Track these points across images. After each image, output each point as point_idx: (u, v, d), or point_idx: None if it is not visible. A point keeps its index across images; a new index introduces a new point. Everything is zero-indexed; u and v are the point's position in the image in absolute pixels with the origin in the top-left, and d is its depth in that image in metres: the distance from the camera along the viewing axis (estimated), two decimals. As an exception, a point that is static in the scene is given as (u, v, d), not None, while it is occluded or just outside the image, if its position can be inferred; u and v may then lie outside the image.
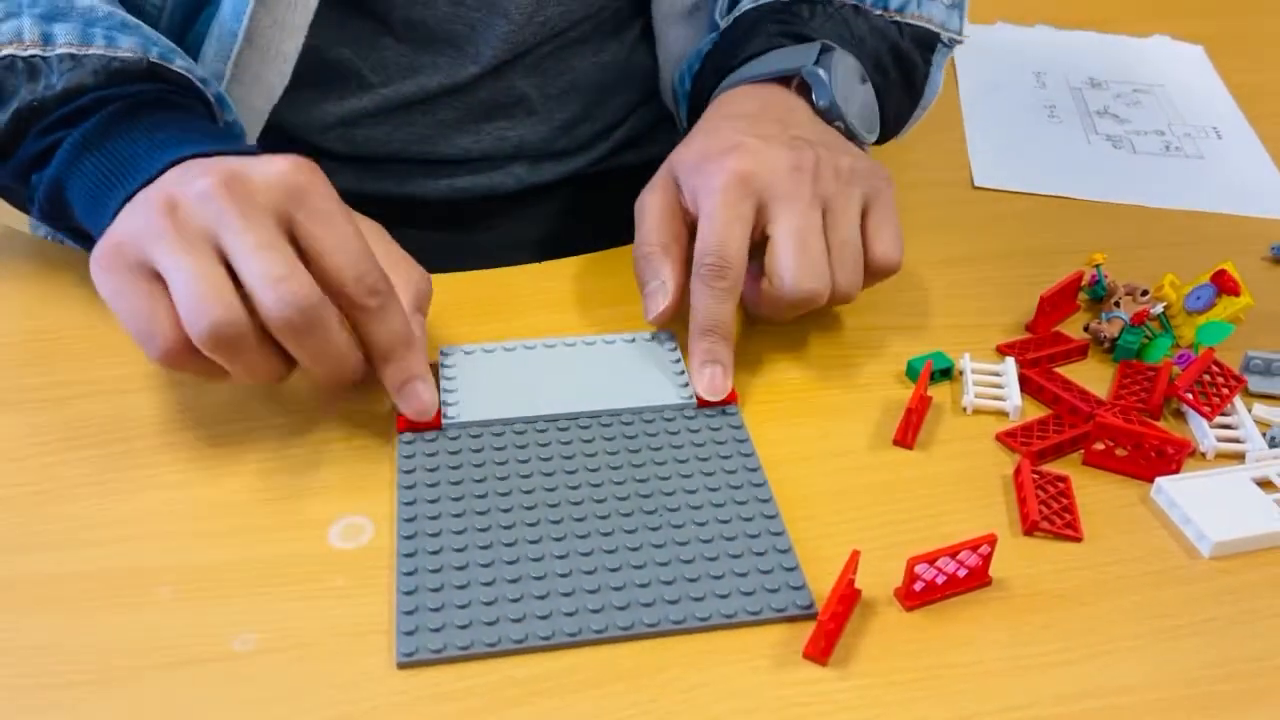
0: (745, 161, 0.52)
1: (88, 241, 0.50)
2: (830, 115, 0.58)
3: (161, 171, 0.47)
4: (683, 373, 0.52)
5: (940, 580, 0.42)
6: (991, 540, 0.42)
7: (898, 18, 0.63)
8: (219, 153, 0.47)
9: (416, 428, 0.48)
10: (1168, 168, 0.75)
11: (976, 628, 0.42)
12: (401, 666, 0.39)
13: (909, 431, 0.50)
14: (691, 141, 0.56)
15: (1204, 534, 0.45)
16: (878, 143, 0.64)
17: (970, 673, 0.40)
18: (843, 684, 0.39)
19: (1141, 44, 0.94)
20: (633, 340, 0.54)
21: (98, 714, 0.38)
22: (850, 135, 0.58)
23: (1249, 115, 0.82)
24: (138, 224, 0.44)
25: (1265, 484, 0.48)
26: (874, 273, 0.53)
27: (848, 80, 0.59)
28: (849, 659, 0.40)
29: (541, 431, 0.48)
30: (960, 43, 0.65)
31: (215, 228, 0.43)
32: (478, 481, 0.46)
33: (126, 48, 0.50)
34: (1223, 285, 0.56)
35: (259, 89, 0.59)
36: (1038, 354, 0.55)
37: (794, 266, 0.50)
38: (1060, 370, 0.54)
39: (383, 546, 0.44)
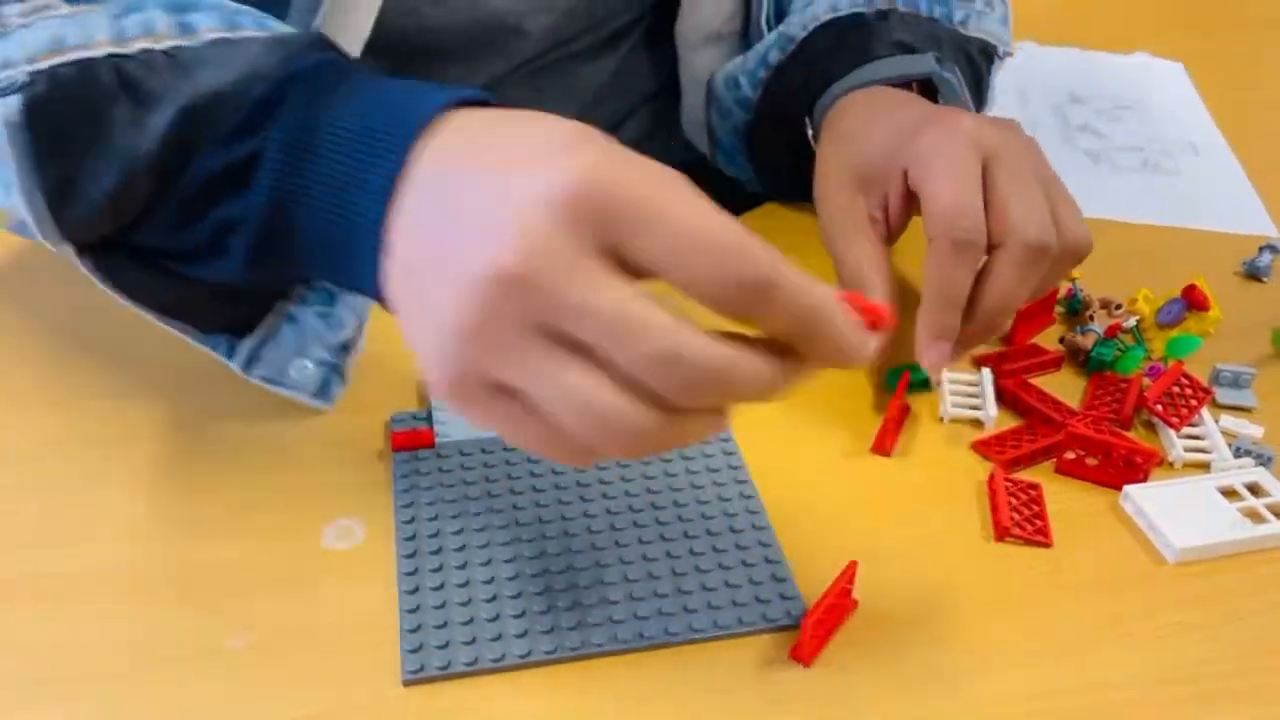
0: (965, 122, 0.50)
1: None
2: None
3: (407, 154, 0.36)
4: None
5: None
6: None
7: (963, 30, 0.65)
8: (460, 103, 0.37)
9: (409, 447, 0.49)
10: (1145, 183, 0.77)
11: (946, 629, 0.43)
12: (407, 684, 0.40)
13: (887, 439, 0.51)
14: (868, 133, 0.55)
15: (1169, 541, 0.46)
16: None
17: (943, 673, 0.41)
18: (816, 684, 0.41)
19: (1122, 61, 0.96)
20: None
21: (94, 710, 0.39)
22: None
23: (1226, 132, 0.84)
24: (459, 340, 0.32)
25: (1230, 493, 0.49)
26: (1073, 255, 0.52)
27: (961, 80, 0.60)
28: (823, 658, 0.42)
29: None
30: (1011, 56, 0.67)
31: (552, 323, 0.32)
32: (473, 499, 0.47)
33: (280, 29, 0.42)
34: (1192, 300, 0.57)
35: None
36: (1014, 365, 0.56)
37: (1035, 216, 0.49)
38: (1035, 381, 0.56)
39: (374, 548, 0.45)
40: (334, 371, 0.50)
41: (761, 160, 0.69)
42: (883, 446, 0.51)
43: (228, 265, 0.42)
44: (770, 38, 0.66)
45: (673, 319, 0.32)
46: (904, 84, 0.60)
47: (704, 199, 0.33)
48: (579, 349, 0.32)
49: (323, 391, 0.50)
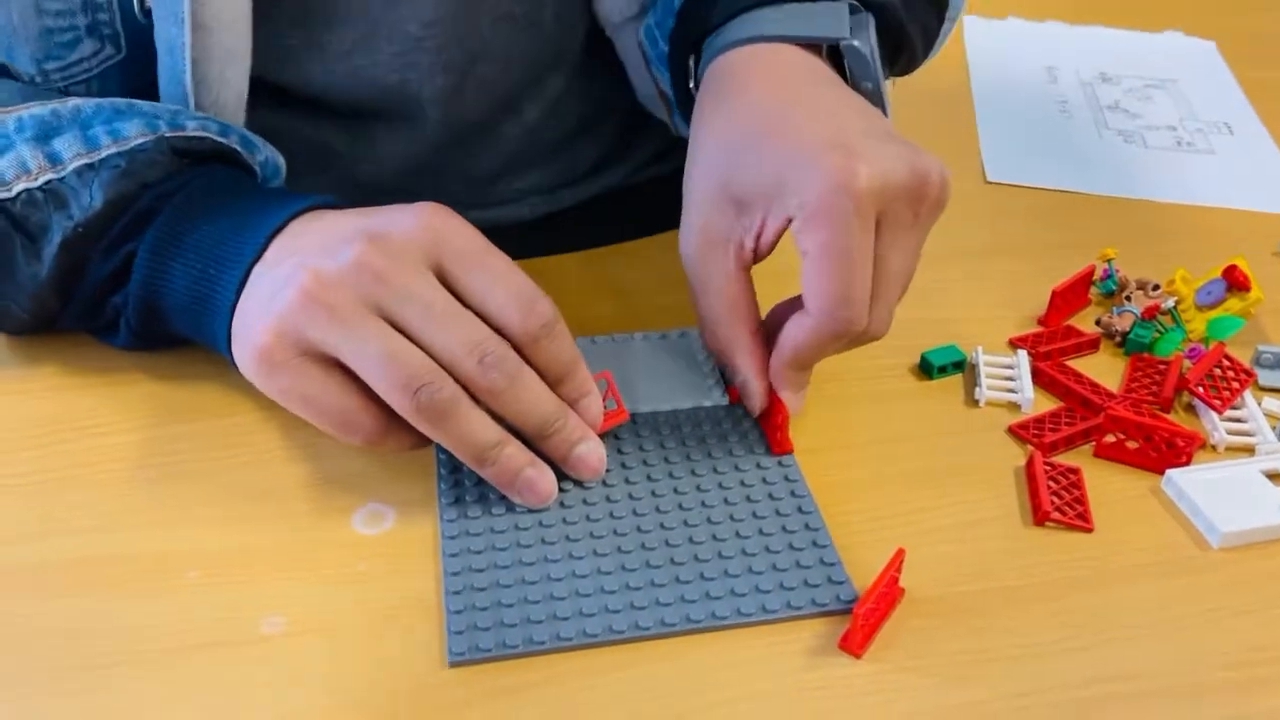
0: (863, 174, 0.42)
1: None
2: (871, 97, 0.50)
3: (265, 245, 0.45)
4: (713, 370, 0.52)
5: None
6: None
7: None
8: (314, 208, 0.46)
9: None
10: (1179, 163, 0.76)
11: (989, 616, 0.42)
12: (454, 665, 0.39)
13: (779, 439, 0.48)
14: (749, 148, 0.45)
15: (1213, 525, 0.45)
16: (907, 72, 0.59)
17: (983, 659, 0.41)
18: (856, 669, 0.40)
19: (1153, 39, 0.94)
20: (663, 338, 0.54)
21: (129, 695, 0.39)
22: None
23: (1260, 111, 0.83)
24: (288, 308, 0.41)
25: (1275, 476, 0.48)
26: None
27: (876, 44, 0.50)
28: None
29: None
30: None
31: (380, 299, 0.41)
32: None
33: (135, 134, 0.47)
34: (1233, 280, 0.56)
35: None
36: (1050, 347, 0.55)
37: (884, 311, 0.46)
38: (1072, 363, 0.55)
39: (405, 532, 0.45)
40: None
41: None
42: (781, 447, 0.48)
43: (124, 339, 0.50)
44: None
45: (483, 326, 0.42)
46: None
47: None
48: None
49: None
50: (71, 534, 0.44)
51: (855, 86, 0.50)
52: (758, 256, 0.47)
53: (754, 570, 0.43)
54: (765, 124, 0.46)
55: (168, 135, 0.48)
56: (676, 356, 0.53)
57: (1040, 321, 0.58)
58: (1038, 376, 0.54)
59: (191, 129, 0.49)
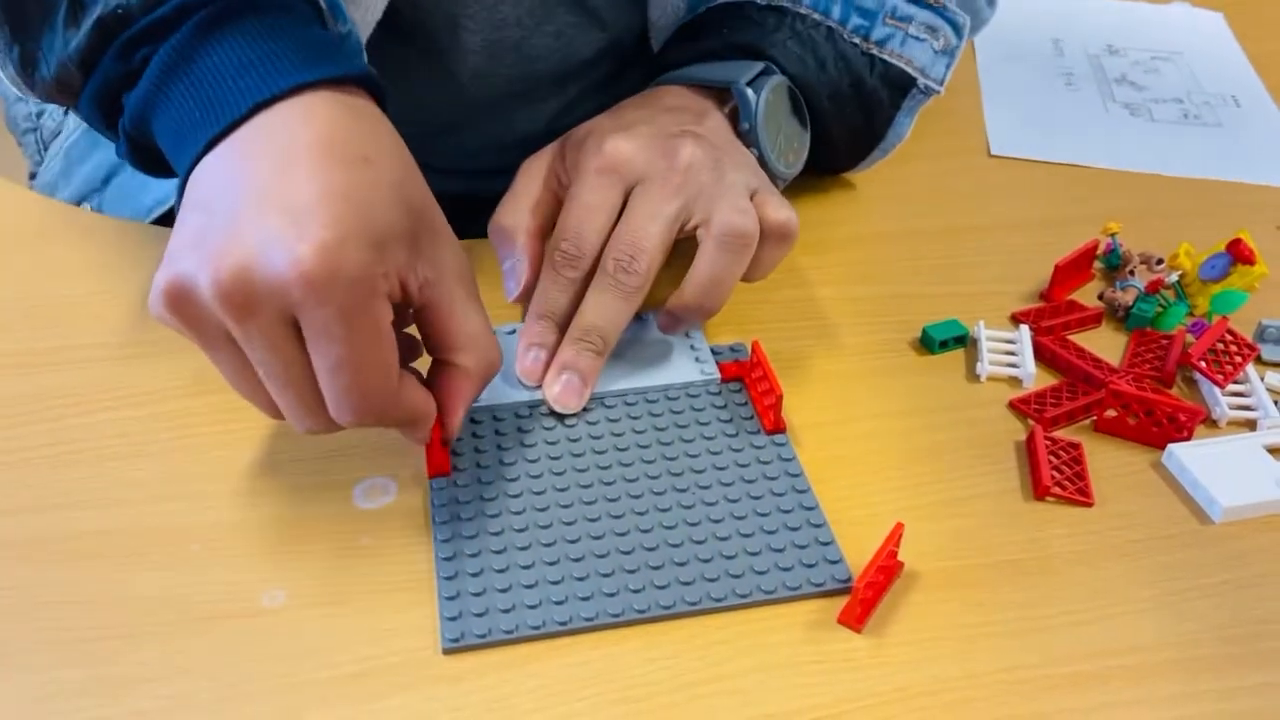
0: (624, 147, 0.50)
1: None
2: (748, 139, 0.56)
3: (250, 113, 0.40)
4: (704, 348, 0.52)
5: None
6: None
7: (874, 51, 0.60)
8: (312, 84, 0.40)
9: None
10: (1185, 136, 0.75)
11: (989, 590, 0.42)
12: (447, 652, 0.39)
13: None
14: (596, 118, 0.55)
15: (1214, 499, 0.45)
16: (831, 172, 0.65)
17: (983, 633, 0.41)
18: (855, 643, 0.40)
19: (1161, 11, 0.93)
20: (649, 319, 0.54)
21: (130, 667, 0.39)
22: (763, 164, 0.56)
23: (1268, 83, 0.82)
24: (159, 295, 0.39)
25: (1276, 451, 0.48)
26: (771, 239, 0.51)
27: (775, 108, 0.57)
28: (868, 621, 0.41)
29: (566, 413, 0.49)
30: (938, 93, 0.61)
31: (232, 337, 0.39)
32: (507, 465, 0.46)
33: None
34: (1238, 254, 0.56)
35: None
36: (1052, 322, 0.55)
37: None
38: (1074, 338, 0.55)
39: (406, 506, 0.45)
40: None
41: None
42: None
43: (123, 146, 0.46)
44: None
45: (297, 395, 0.40)
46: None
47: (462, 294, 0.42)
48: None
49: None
50: (72, 507, 0.44)
51: (735, 123, 0.56)
52: (562, 192, 0.52)
53: (749, 551, 0.43)
54: (601, 121, 0.54)
55: None
56: (663, 335, 0.53)
57: (1043, 296, 0.58)
58: (1039, 351, 0.53)
59: None
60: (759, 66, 0.57)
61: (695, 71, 0.59)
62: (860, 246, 0.61)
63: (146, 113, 0.44)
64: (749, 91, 0.56)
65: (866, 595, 0.40)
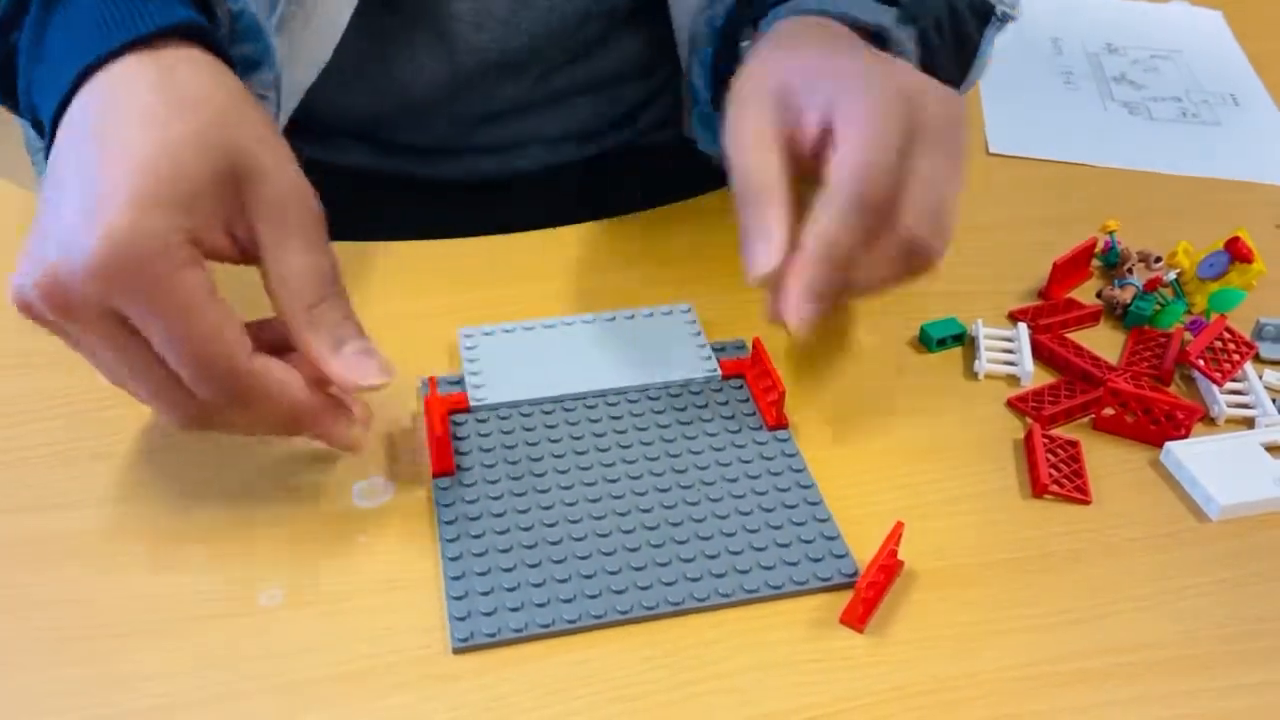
0: (908, 81, 0.45)
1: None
2: None
3: (69, 95, 0.40)
4: (705, 345, 0.52)
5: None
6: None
7: None
8: (115, 53, 0.39)
9: (443, 410, 0.48)
10: (1184, 134, 0.75)
11: (987, 588, 0.42)
12: (458, 652, 0.39)
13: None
14: (799, 50, 0.49)
15: (1212, 497, 0.45)
16: None
17: (981, 631, 0.41)
18: (856, 641, 0.40)
19: (1160, 10, 0.93)
20: (651, 315, 0.54)
21: (128, 666, 0.39)
22: None
23: (1267, 82, 0.82)
24: (17, 283, 0.39)
25: (1274, 449, 0.48)
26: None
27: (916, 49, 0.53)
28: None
29: (570, 410, 0.49)
30: (1013, 20, 0.59)
31: (65, 326, 0.39)
32: (512, 464, 0.46)
33: None
34: (1236, 252, 0.56)
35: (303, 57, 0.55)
36: (1050, 320, 0.55)
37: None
38: (1072, 336, 0.55)
39: (404, 505, 0.45)
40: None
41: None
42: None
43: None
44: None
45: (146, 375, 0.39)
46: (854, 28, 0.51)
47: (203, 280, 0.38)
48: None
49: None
50: (70, 507, 0.44)
51: None
52: (799, 150, 0.45)
53: (755, 547, 0.43)
54: (820, 55, 0.48)
55: None
56: (667, 331, 0.53)
57: (1041, 294, 0.58)
58: (1038, 349, 0.53)
59: None
60: (893, 12, 0.52)
61: (836, 3, 0.52)
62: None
63: (29, 96, 0.44)
64: (907, 41, 0.52)
65: (868, 595, 0.40)
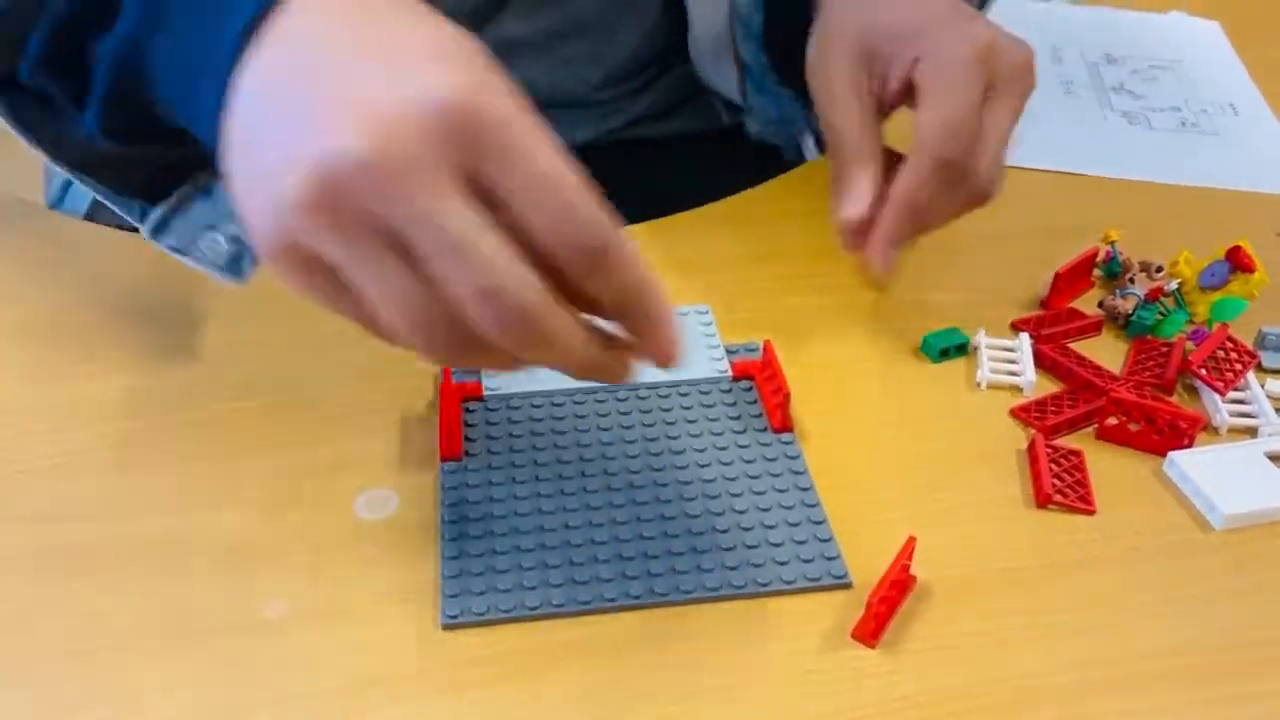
0: (985, 34, 0.49)
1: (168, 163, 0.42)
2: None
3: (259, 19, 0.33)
4: (718, 346, 0.53)
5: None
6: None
7: None
8: None
9: (459, 397, 0.49)
10: (1184, 144, 0.75)
11: (991, 598, 0.42)
12: (446, 628, 0.40)
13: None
14: (876, 8, 0.52)
15: (1215, 506, 0.45)
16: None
17: (987, 642, 0.41)
18: (860, 652, 0.40)
19: (1158, 20, 0.94)
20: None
21: (131, 679, 0.39)
22: None
23: (1265, 92, 0.82)
24: (288, 209, 0.31)
25: (1277, 458, 0.48)
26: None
27: None
28: (840, 617, 0.41)
29: (580, 404, 0.49)
30: None
31: (389, 220, 0.31)
32: (518, 451, 0.47)
33: None
34: (1237, 262, 0.56)
35: None
36: (1052, 330, 0.55)
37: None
38: (1074, 346, 0.55)
39: (408, 517, 0.45)
40: (247, 248, 0.47)
41: (788, 67, 0.63)
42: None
43: (94, 115, 0.39)
44: None
45: (508, 257, 0.31)
46: None
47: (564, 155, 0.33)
48: (407, 254, 0.31)
49: (233, 266, 0.48)
50: (74, 519, 0.44)
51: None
52: (884, 104, 0.52)
53: (747, 544, 0.43)
54: (895, 12, 0.51)
55: None
56: (681, 330, 0.53)
57: (1043, 304, 0.58)
58: (1040, 359, 0.53)
59: None
60: None
61: None
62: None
63: (138, 49, 0.36)
64: None
65: (880, 610, 0.40)
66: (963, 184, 0.50)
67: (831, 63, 0.52)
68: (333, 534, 0.44)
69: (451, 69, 0.31)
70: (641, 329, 0.36)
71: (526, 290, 0.32)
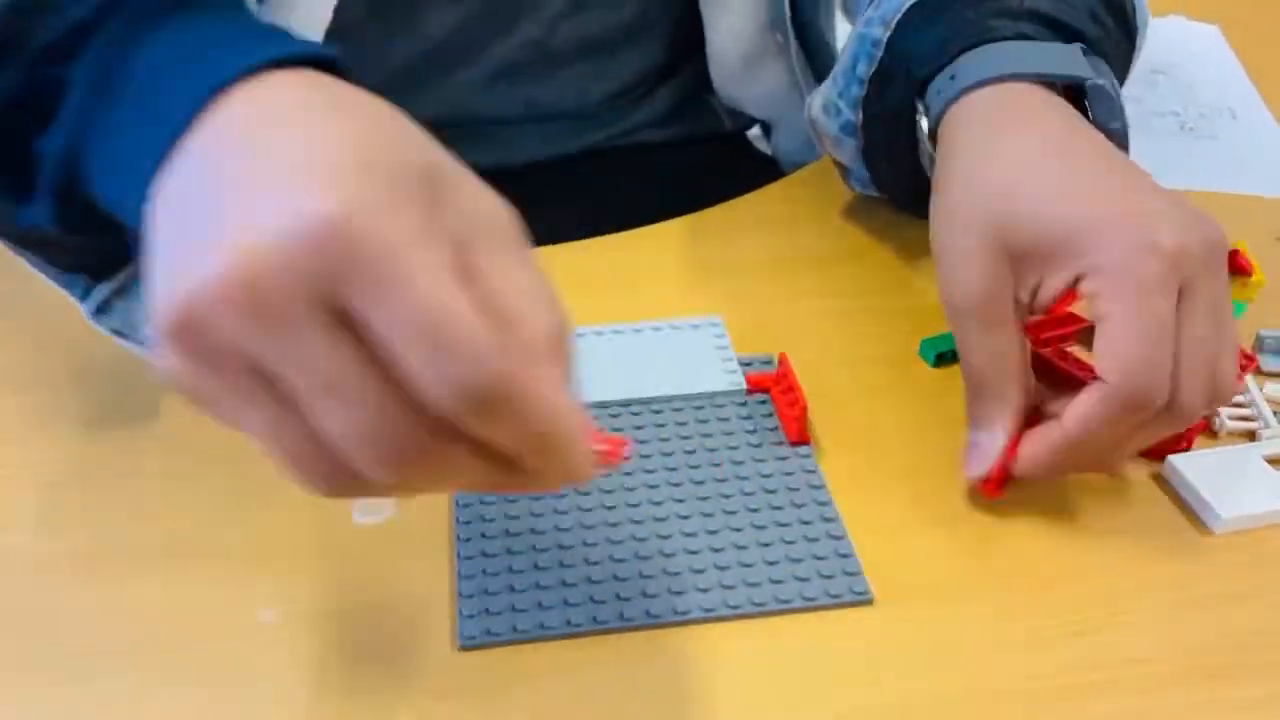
0: (1166, 233, 0.40)
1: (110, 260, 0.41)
2: (1114, 136, 0.48)
3: (211, 99, 0.31)
4: (731, 359, 0.52)
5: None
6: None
7: None
8: (276, 61, 0.32)
9: None
10: (1182, 148, 0.75)
11: (989, 602, 0.42)
12: (464, 649, 0.40)
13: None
14: (1022, 187, 0.43)
15: (1214, 511, 0.45)
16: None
17: (987, 646, 0.41)
18: (855, 654, 0.40)
19: (1156, 23, 0.93)
20: (680, 327, 0.54)
21: (124, 685, 0.39)
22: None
23: (1264, 95, 0.82)
24: (175, 297, 0.28)
25: (1276, 461, 0.48)
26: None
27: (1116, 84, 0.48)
28: (867, 631, 0.41)
29: (594, 418, 0.49)
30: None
31: (258, 361, 0.28)
32: None
33: None
34: (1235, 265, 0.56)
35: None
36: (1050, 334, 0.55)
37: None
38: (1073, 350, 0.55)
39: (403, 522, 0.45)
40: None
41: (893, 190, 0.58)
42: (798, 437, 0.48)
43: (46, 211, 0.38)
44: (852, 40, 0.54)
45: (382, 400, 0.28)
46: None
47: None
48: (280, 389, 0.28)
49: None
50: (65, 525, 0.45)
51: (1101, 128, 0.47)
52: (1033, 312, 0.44)
53: (768, 561, 0.43)
54: (1040, 176, 0.43)
55: None
56: (692, 344, 0.53)
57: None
58: (1038, 363, 0.53)
59: None
60: (1079, 50, 0.48)
61: (1030, 62, 0.47)
62: (873, 259, 0.61)
63: (78, 144, 0.36)
64: (1111, 90, 0.48)
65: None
66: (1163, 415, 0.41)
67: (963, 269, 0.43)
68: (328, 539, 0.44)
69: (329, 190, 0.27)
70: (546, 466, 0.30)
71: (407, 434, 0.28)
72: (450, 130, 0.70)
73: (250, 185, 0.29)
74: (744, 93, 0.69)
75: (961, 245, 0.44)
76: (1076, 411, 0.42)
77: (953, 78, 0.48)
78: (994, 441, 0.44)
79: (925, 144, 0.50)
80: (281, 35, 0.35)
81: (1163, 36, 0.91)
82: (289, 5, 0.56)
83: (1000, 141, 0.45)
